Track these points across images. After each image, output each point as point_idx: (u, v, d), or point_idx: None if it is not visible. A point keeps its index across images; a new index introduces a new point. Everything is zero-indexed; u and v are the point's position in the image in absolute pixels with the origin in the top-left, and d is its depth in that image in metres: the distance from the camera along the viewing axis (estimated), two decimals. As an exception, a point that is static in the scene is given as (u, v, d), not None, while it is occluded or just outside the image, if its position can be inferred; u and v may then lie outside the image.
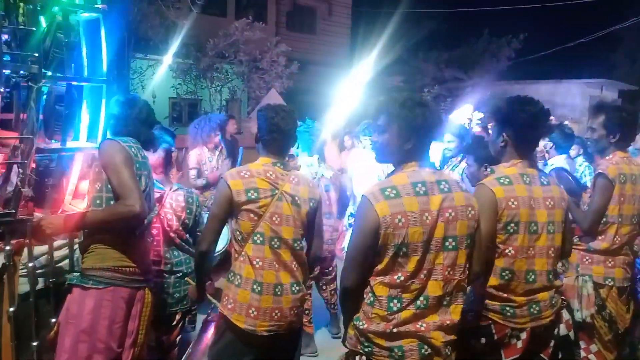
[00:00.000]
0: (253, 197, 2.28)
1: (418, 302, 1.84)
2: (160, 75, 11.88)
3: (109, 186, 2.33)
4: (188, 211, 2.98)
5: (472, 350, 2.22)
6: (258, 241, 2.30)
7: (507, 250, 2.14)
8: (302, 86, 14.06)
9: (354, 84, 10.64)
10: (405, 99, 1.91)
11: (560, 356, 2.57)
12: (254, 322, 2.27)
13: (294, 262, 2.36)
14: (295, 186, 2.37)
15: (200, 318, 3.05)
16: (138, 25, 10.61)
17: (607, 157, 2.88)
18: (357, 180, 5.02)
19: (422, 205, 1.81)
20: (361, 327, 1.89)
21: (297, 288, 2.36)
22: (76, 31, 2.61)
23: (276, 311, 2.29)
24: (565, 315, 2.35)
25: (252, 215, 2.29)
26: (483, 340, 2.20)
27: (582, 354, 2.84)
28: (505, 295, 2.16)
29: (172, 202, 2.94)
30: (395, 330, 1.83)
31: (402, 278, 1.82)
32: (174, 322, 3.01)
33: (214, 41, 11.90)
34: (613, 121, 2.85)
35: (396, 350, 1.82)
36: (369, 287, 1.89)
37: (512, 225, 2.11)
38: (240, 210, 2.29)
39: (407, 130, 1.88)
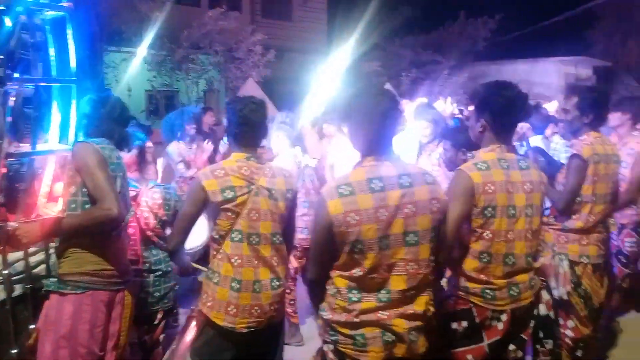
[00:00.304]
0: (230, 196, 2.24)
1: (380, 296, 1.86)
2: (134, 69, 11.67)
3: (84, 190, 2.29)
4: (166, 207, 2.95)
5: (454, 334, 2.25)
6: (236, 239, 2.27)
7: (484, 234, 2.16)
8: (280, 74, 13.94)
9: (332, 71, 10.59)
10: (361, 89, 1.90)
11: (540, 335, 2.63)
12: (233, 320, 2.26)
13: (275, 257, 2.33)
14: (271, 179, 2.33)
15: (184, 314, 3.04)
16: (109, 19, 10.38)
17: (581, 138, 2.92)
18: (337, 169, 5.05)
19: (377, 202, 1.81)
20: (326, 317, 1.94)
21: (278, 283, 2.34)
22: (42, 31, 2.53)
23: (255, 307, 2.28)
24: (545, 295, 2.39)
25: (229, 214, 2.25)
26: (464, 323, 2.23)
27: (560, 330, 2.91)
28: (485, 278, 2.19)
29: (148, 200, 2.91)
30: (356, 319, 1.86)
31: (360, 273, 1.85)
32: (156, 321, 3.00)
33: (188, 32, 11.70)
34: (586, 102, 2.89)
35: (358, 338, 1.87)
36: (330, 279, 1.93)
37: (490, 209, 2.13)
38: (218, 210, 2.26)
39: (364, 123, 1.87)
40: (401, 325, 1.87)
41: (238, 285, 2.25)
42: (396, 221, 1.82)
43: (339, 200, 1.81)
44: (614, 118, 3.82)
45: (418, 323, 1.91)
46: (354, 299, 1.87)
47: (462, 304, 2.24)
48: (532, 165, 2.29)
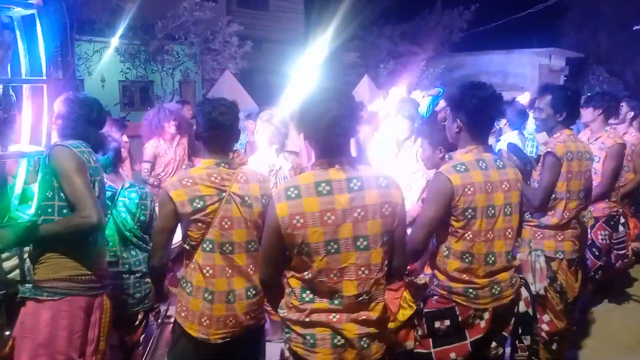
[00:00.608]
0: (199, 206, 2.14)
1: (332, 299, 1.86)
2: (107, 60, 11.40)
3: (62, 194, 2.24)
4: (143, 207, 2.91)
5: (437, 332, 2.28)
6: (207, 249, 2.18)
7: (466, 235, 2.19)
8: (257, 65, 13.80)
9: (310, 62, 10.51)
10: (311, 97, 1.86)
11: (520, 331, 2.70)
12: (206, 331, 2.19)
13: (250, 265, 2.25)
14: (243, 185, 2.24)
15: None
16: (80, 8, 10.09)
17: (554, 136, 2.98)
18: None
19: (323, 205, 1.79)
20: (281, 314, 1.96)
21: (254, 292, 2.26)
22: (11, 29, 2.44)
23: (230, 318, 2.21)
24: (524, 292, 2.44)
25: (200, 224, 2.17)
26: (447, 322, 2.26)
27: (537, 324, 2.98)
28: (467, 277, 2.22)
29: (125, 201, 2.87)
30: (307, 319, 1.87)
31: (309, 275, 1.85)
32: (137, 322, 2.97)
33: (163, 22, 11.45)
34: (559, 100, 2.95)
35: (308, 337, 1.87)
36: (286, 279, 1.95)
37: (470, 211, 2.16)
38: (187, 221, 2.17)
39: (315, 129, 1.84)
40: (352, 330, 1.86)
41: (211, 297, 2.18)
42: (345, 225, 1.80)
43: (285, 202, 1.80)
44: (586, 114, 3.90)
45: (371, 330, 1.89)
46: (307, 299, 1.87)
47: (445, 303, 2.27)
48: (508, 164, 2.33)
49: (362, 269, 1.85)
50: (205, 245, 2.18)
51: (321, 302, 1.86)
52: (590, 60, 21.98)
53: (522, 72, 18.56)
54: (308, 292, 1.88)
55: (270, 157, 3.60)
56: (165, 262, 2.30)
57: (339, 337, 1.86)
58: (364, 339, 1.88)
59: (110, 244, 2.80)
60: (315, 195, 1.80)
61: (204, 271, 2.19)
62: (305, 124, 1.88)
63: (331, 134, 1.81)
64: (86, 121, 2.39)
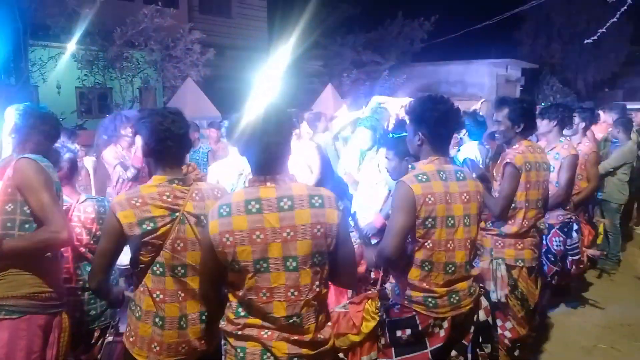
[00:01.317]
0: (149, 228, 1.97)
1: (267, 320, 1.82)
2: (64, 66, 11.02)
3: (25, 209, 2.15)
4: (99, 222, 2.79)
5: (399, 341, 2.30)
6: (158, 272, 2.03)
7: (426, 244, 2.22)
8: (220, 73, 13.65)
9: (273, 69, 10.49)
10: (241, 116, 1.84)
11: (480, 340, 2.73)
12: (157, 358, 2.04)
13: None
14: (199, 203, 2.07)
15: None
16: (35, 12, 9.73)
17: (513, 147, 3.06)
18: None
19: (252, 224, 1.76)
20: (221, 325, 1.93)
21: (208, 316, 2.11)
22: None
23: (183, 345, 2.06)
24: (484, 301, 2.48)
25: (149, 248, 2.00)
26: (408, 331, 2.29)
27: (499, 331, 3.03)
28: (426, 286, 2.25)
29: (80, 215, 2.75)
30: (240, 332, 1.85)
31: (240, 293, 1.83)
32: (93, 340, 2.85)
33: (122, 29, 11.18)
34: (516, 113, 3.03)
35: (239, 350, 1.84)
36: (226, 292, 1.93)
37: (430, 220, 2.19)
38: (137, 244, 2.00)
39: (248, 148, 1.84)
40: (282, 349, 1.81)
41: (161, 322, 2.04)
42: (274, 245, 1.77)
43: (217, 220, 1.77)
44: (542, 125, 4.01)
45: (303, 351, 1.83)
46: (242, 313, 1.85)
47: (406, 312, 2.30)
48: (468, 175, 2.37)
49: (292, 290, 1.80)
50: (155, 269, 2.03)
51: (255, 318, 1.84)
52: (545, 71, 22.86)
53: (480, 82, 19.09)
54: (244, 306, 1.85)
55: (240, 162, 3.54)
56: (105, 285, 2.16)
57: (268, 354, 1.81)
58: (295, 359, 1.82)
59: (64, 260, 2.68)
60: (244, 213, 1.76)
61: (154, 295, 2.04)
62: (238, 143, 1.87)
63: (261, 154, 1.81)
64: (43, 135, 2.31)
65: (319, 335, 1.87)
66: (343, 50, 17.64)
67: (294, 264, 1.79)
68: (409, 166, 2.38)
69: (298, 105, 9.69)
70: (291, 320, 1.81)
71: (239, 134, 1.84)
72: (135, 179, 4.56)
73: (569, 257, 4.12)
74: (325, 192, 1.88)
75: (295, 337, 1.82)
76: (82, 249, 2.74)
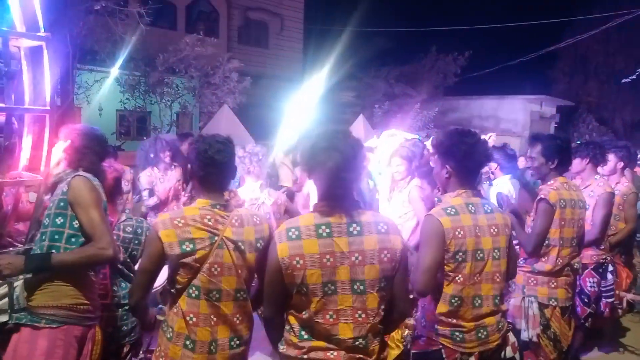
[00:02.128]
0: (188, 249, 2.01)
1: (332, 342, 1.87)
2: (107, 89, 11.53)
3: (74, 223, 2.27)
4: (136, 242, 2.89)
5: (424, 374, 2.26)
6: (193, 295, 2.05)
7: (457, 278, 2.20)
8: (255, 101, 13.98)
9: (307, 99, 10.68)
10: (315, 142, 1.89)
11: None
12: None
13: (237, 315, 2.12)
14: (238, 229, 2.10)
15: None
16: (84, 38, 10.25)
17: (548, 183, 3.03)
18: (313, 198, 5.08)
19: (323, 248, 1.82)
20: (280, 350, 1.96)
21: (238, 342, 2.13)
22: (17, 59, 2.49)
23: None
24: (511, 337, 2.43)
25: (187, 269, 2.03)
26: (434, 364, 2.24)
27: (528, 371, 2.95)
28: (454, 321, 2.22)
29: (120, 233, 2.85)
30: (305, 356, 1.88)
31: (306, 315, 1.87)
32: (123, 355, 2.91)
33: (164, 56, 11.66)
34: (550, 149, 3.01)
35: None
36: (287, 316, 1.96)
37: (460, 254, 2.18)
38: (176, 264, 2.04)
39: (316, 174, 1.89)
40: None
41: (192, 345, 2.05)
42: (342, 268, 1.82)
43: (286, 243, 1.83)
44: (575, 164, 3.96)
45: None
46: (305, 336, 1.89)
47: (432, 345, 2.27)
48: (496, 208, 2.36)
49: (359, 312, 1.86)
50: (191, 291, 2.06)
51: (319, 341, 1.87)
52: (581, 109, 22.52)
53: (514, 117, 18.92)
54: (307, 329, 1.89)
55: (255, 192, 3.67)
56: (144, 303, 2.22)
57: None
58: None
59: (101, 276, 2.77)
60: (315, 237, 1.83)
61: (187, 318, 2.06)
62: (308, 167, 1.92)
63: (332, 182, 1.85)
64: (97, 155, 2.45)
65: (381, 356, 1.93)
66: (376, 82, 17.84)
67: (362, 287, 1.85)
68: (435, 199, 2.39)
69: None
70: (357, 342, 1.86)
71: (309, 159, 1.89)
72: (155, 208, 4.71)
73: (603, 299, 4.00)
74: (388, 219, 1.96)
75: (360, 356, 1.87)
76: (120, 266, 2.83)
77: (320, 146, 1.87)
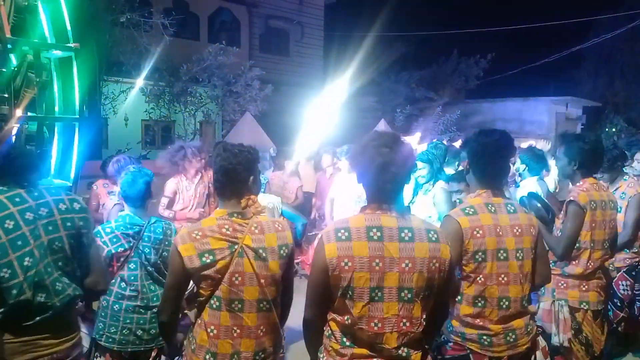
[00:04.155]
0: (208, 261, 1.99)
1: (374, 350, 1.82)
2: (132, 99, 11.78)
3: None
4: (166, 243, 2.93)
5: (451, 380, 2.22)
6: (214, 306, 2.03)
7: (477, 278, 2.17)
8: (276, 107, 14.09)
9: (328, 105, 10.71)
10: (367, 142, 1.87)
11: (538, 382, 2.60)
12: None
13: (261, 327, 2.07)
14: (258, 236, 2.06)
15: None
16: (110, 51, 10.52)
17: (577, 184, 2.96)
18: (337, 204, 5.10)
19: (373, 251, 1.77)
20: (320, 358, 1.92)
21: (262, 356, 2.09)
22: (48, 70, 2.57)
23: None
24: (541, 342, 2.38)
25: (209, 281, 2.02)
26: (462, 370, 2.21)
27: (560, 376, 2.88)
28: (480, 323, 2.18)
29: (150, 235, 2.89)
30: None
31: (349, 321, 1.81)
32: (150, 359, 2.93)
33: (188, 66, 11.87)
34: (572, 150, 2.93)
35: None
36: (327, 321, 1.91)
37: (480, 254, 2.15)
38: (198, 277, 2.02)
39: (365, 175, 1.86)
40: None
41: (212, 358, 2.03)
42: (390, 274, 1.77)
43: (335, 244, 1.78)
44: None
45: None
46: (347, 343, 1.84)
47: (459, 350, 2.23)
48: (520, 209, 2.30)
49: (404, 320, 1.81)
50: (212, 302, 2.04)
51: (362, 348, 1.82)
52: (607, 109, 22.02)
53: (538, 119, 18.61)
54: (349, 336, 1.84)
55: (271, 198, 3.81)
56: (175, 318, 2.19)
57: None
58: None
59: (132, 278, 2.82)
60: (365, 239, 1.78)
61: (208, 330, 2.04)
62: (356, 166, 1.90)
63: (380, 179, 1.82)
64: None
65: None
66: (397, 87, 17.79)
67: (409, 295, 1.79)
68: (456, 200, 2.37)
69: (351, 139, 9.82)
70: (400, 351, 1.82)
71: (358, 157, 1.88)
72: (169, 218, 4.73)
73: (637, 303, 3.89)
74: (435, 226, 1.92)
75: None
76: (150, 268, 2.87)
77: (370, 144, 1.85)
